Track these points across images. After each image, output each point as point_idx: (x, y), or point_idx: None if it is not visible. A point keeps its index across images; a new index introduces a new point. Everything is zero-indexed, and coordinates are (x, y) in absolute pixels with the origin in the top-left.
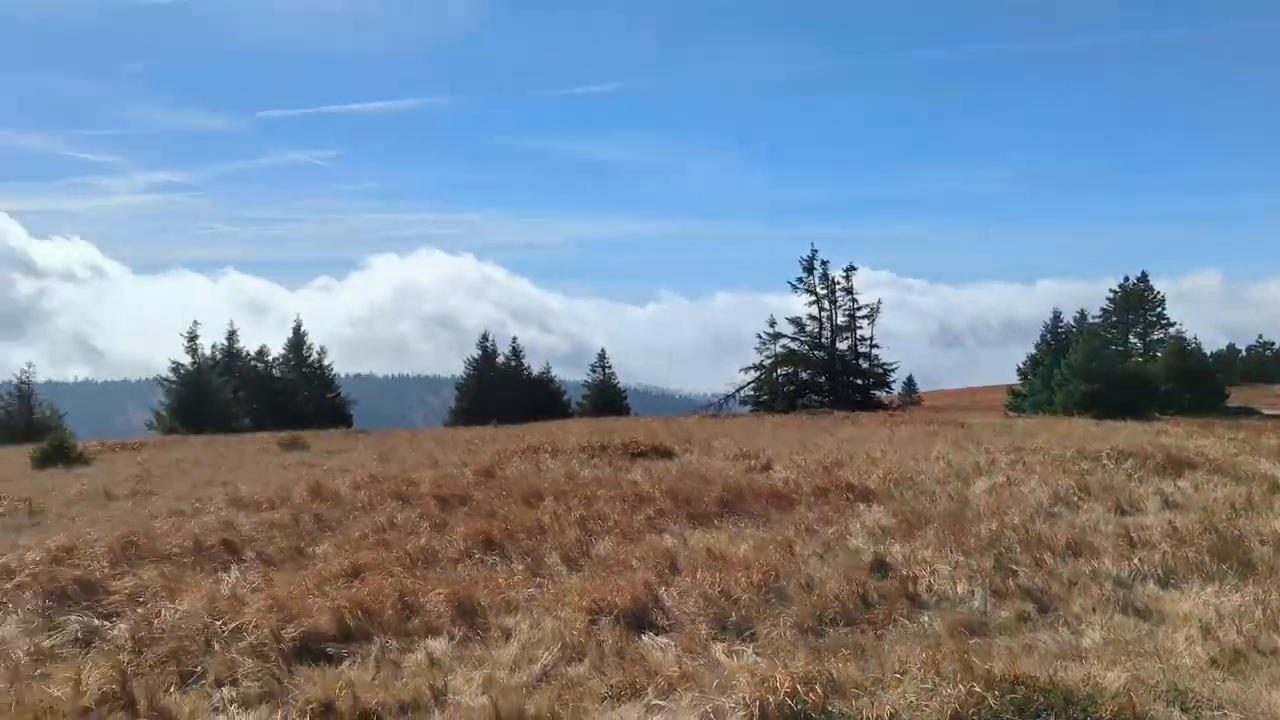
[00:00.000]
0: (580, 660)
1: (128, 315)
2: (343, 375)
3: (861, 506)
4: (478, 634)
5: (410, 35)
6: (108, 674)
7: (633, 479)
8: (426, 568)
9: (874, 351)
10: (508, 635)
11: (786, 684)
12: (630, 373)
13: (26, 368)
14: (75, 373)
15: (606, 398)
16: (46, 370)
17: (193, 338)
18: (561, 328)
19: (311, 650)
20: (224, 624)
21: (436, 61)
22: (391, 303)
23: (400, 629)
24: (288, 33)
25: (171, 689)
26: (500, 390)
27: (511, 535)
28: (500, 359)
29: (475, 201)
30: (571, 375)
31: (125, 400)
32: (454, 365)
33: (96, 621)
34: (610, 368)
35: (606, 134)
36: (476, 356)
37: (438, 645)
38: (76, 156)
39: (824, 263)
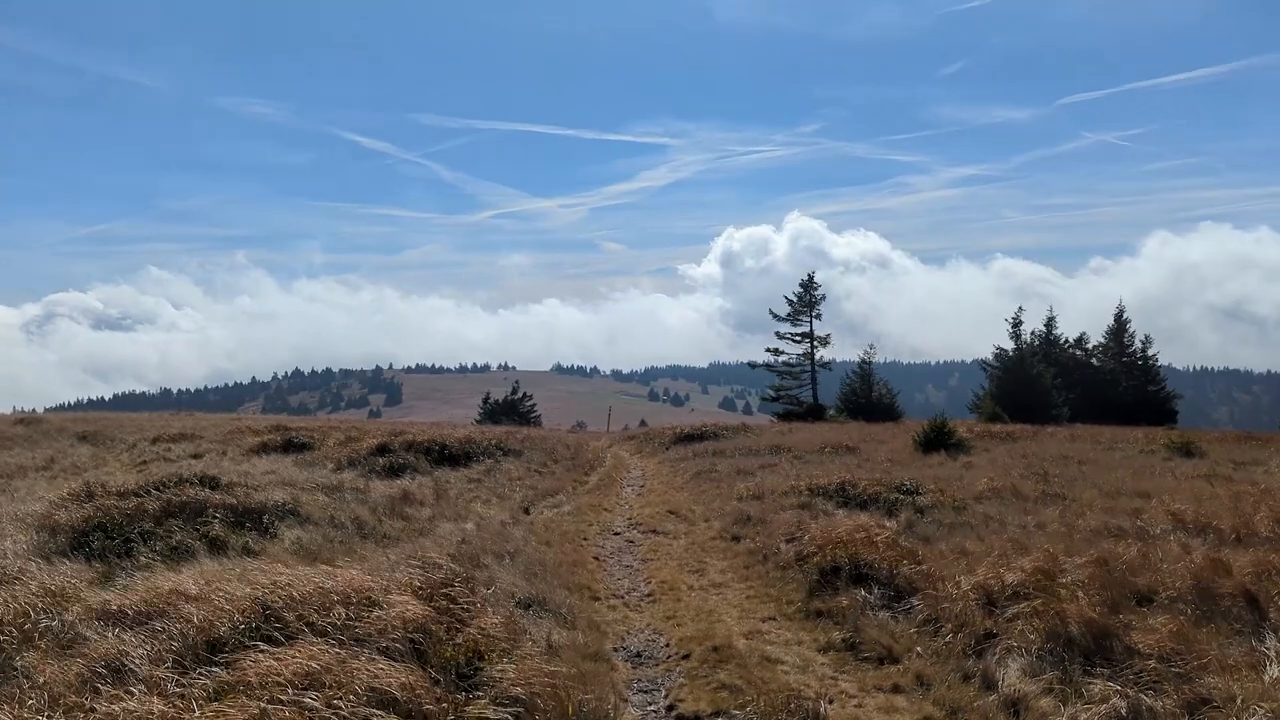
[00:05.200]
0: None
1: (904, 302)
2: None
3: None
4: None
5: None
6: None
7: None
8: None
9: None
10: None
11: None
12: None
13: (869, 349)
14: (854, 355)
15: None
16: (837, 350)
17: (1016, 323)
18: None
19: None
20: None
21: (1257, 16)
22: (1168, 288)
23: None
24: (1090, 14)
25: None
26: None
27: None
28: None
29: None
30: None
31: (925, 381)
32: (1250, 359)
33: (1135, 695)
34: None
35: None
36: None
37: None
38: (892, 159)
39: None
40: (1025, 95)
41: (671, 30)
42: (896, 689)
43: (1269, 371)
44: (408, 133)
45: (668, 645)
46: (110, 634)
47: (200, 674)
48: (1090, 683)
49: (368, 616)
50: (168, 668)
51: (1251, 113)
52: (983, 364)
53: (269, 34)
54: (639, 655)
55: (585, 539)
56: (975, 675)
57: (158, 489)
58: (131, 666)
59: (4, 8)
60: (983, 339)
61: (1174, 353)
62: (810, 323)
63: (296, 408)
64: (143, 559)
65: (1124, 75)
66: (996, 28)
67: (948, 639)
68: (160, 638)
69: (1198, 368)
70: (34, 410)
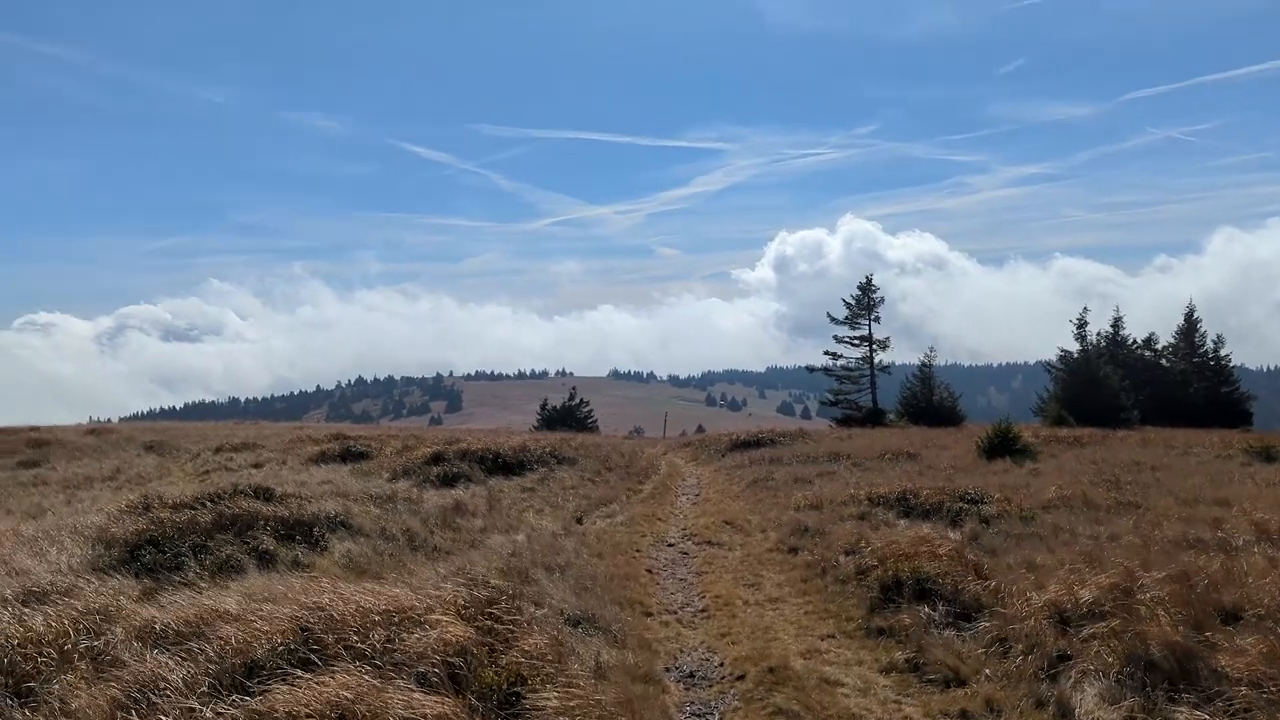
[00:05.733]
0: None
1: (961, 303)
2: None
3: None
4: None
5: None
6: None
7: None
8: None
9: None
10: None
11: None
12: None
13: (929, 352)
14: (911, 358)
15: None
16: (894, 353)
17: (1082, 324)
18: None
19: None
20: None
21: None
22: (1235, 285)
23: None
24: (1156, 4)
25: None
26: None
27: None
28: None
29: None
30: None
31: (986, 384)
32: None
33: None
34: None
35: None
36: None
37: None
38: (950, 159)
39: None
40: (1087, 91)
41: (725, 36)
42: (964, 715)
43: None
44: (467, 143)
45: (722, 665)
46: (149, 656)
47: (231, 702)
48: (1175, 711)
49: (407, 639)
50: (203, 693)
51: None
52: (1047, 366)
53: (331, 49)
54: (692, 676)
55: (638, 551)
56: (1049, 701)
57: (211, 501)
58: (165, 692)
59: (78, 30)
60: (1044, 340)
61: (1244, 352)
62: (869, 325)
63: (360, 415)
64: (190, 574)
65: (1192, 69)
66: (1057, 23)
67: (1018, 661)
68: (198, 660)
69: (1271, 367)
70: (109, 420)
